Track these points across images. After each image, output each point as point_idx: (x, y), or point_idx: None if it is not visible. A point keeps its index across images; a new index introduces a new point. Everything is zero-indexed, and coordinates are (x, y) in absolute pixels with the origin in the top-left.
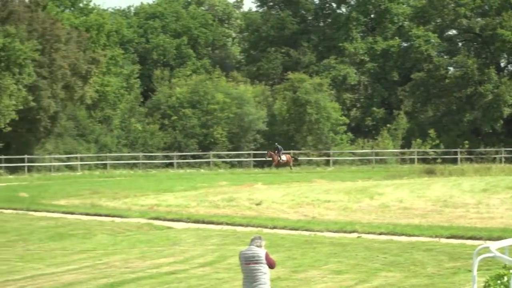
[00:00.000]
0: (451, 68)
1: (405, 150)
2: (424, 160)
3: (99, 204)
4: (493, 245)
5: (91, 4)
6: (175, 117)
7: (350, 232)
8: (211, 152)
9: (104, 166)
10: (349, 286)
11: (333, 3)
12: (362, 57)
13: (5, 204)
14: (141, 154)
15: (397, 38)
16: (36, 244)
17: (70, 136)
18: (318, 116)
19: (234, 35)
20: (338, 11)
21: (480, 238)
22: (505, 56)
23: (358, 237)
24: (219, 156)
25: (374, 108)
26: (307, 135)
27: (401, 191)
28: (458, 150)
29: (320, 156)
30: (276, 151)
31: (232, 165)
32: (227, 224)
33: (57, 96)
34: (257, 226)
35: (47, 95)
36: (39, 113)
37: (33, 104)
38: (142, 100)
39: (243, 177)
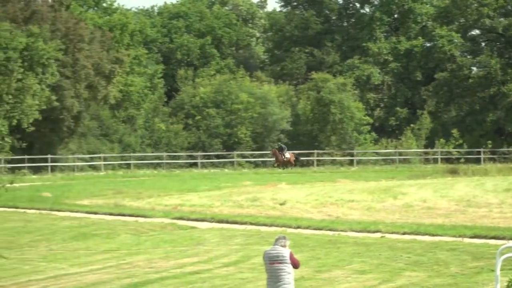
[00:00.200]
0: (474, 68)
1: (429, 150)
2: (447, 160)
3: (122, 204)
4: None
5: (115, 4)
6: (199, 117)
7: (374, 232)
8: (235, 152)
9: (128, 166)
10: (372, 286)
11: (356, 3)
12: (386, 57)
13: (28, 204)
14: (165, 154)
15: (420, 38)
16: (60, 244)
17: (94, 136)
18: (342, 116)
19: (258, 35)
20: (362, 11)
21: (503, 238)
22: None
23: (382, 236)
24: (243, 156)
25: (398, 108)
26: (331, 135)
27: (425, 191)
28: (481, 150)
29: (344, 156)
30: (279, 150)
31: (256, 165)
32: (251, 224)
33: (81, 96)
34: (281, 226)
35: (70, 95)
36: (62, 113)
37: (56, 104)
38: (166, 100)
39: (267, 177)
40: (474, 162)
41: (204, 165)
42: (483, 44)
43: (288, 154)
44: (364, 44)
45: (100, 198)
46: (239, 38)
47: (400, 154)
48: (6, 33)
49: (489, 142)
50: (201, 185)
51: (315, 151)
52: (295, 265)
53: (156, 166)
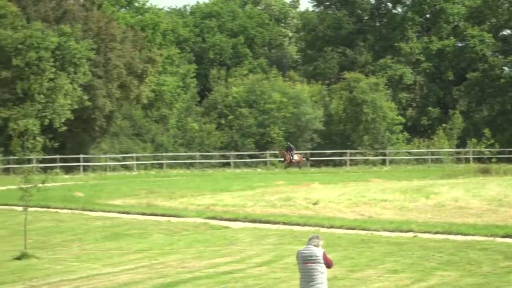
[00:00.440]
0: (505, 68)
1: (461, 149)
2: (479, 160)
3: (155, 204)
4: None
5: (147, 4)
6: (232, 117)
7: (406, 231)
8: (268, 152)
9: (160, 165)
10: (405, 285)
11: (388, 3)
12: (418, 57)
13: (61, 203)
14: (197, 153)
15: (452, 38)
16: (92, 244)
17: (126, 135)
18: (374, 116)
19: (290, 34)
20: (394, 11)
21: None
22: None
23: (414, 236)
24: (276, 156)
25: (430, 108)
26: (363, 134)
27: (457, 191)
28: None
29: (376, 155)
30: (288, 151)
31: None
32: (284, 223)
33: (113, 95)
34: (314, 226)
35: (102, 95)
36: (94, 113)
37: (88, 103)
38: (198, 99)
39: (299, 176)
40: (505, 162)
41: (237, 165)
42: None
43: (296, 157)
44: (396, 44)
45: (132, 198)
46: (271, 37)
47: (432, 153)
48: (38, 33)
49: None
50: (234, 184)
51: (348, 150)
52: (328, 264)
53: (189, 165)
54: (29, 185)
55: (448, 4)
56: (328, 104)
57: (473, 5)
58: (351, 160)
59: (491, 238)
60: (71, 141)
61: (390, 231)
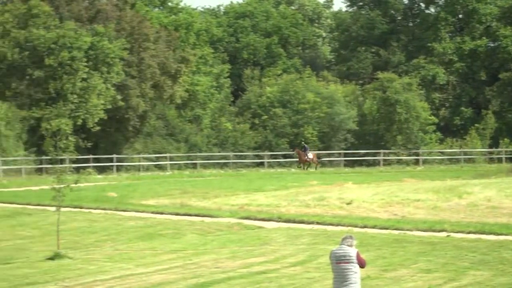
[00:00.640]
0: None
1: (493, 149)
2: (511, 160)
3: (189, 204)
4: None
5: (181, 3)
6: (266, 117)
7: (439, 231)
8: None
9: (194, 165)
10: (438, 285)
11: (421, 3)
12: (451, 57)
13: (94, 204)
14: (231, 153)
15: (484, 38)
16: (125, 244)
17: (160, 135)
18: (407, 116)
19: (324, 34)
20: (427, 11)
21: None
22: None
23: (447, 236)
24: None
25: (463, 108)
26: (396, 134)
27: (489, 190)
28: None
29: (409, 155)
30: (303, 150)
31: (323, 164)
32: (318, 223)
33: (146, 95)
34: (348, 225)
35: (136, 94)
36: (128, 112)
37: (121, 103)
38: (232, 99)
39: (333, 176)
40: None
41: (270, 165)
42: None
43: (310, 155)
44: (429, 44)
45: (166, 198)
46: (305, 37)
47: (465, 153)
48: (71, 33)
49: None
50: (267, 184)
51: (381, 150)
52: (362, 264)
53: (222, 165)
54: (62, 185)
55: (481, 4)
56: (361, 104)
57: (506, 5)
58: (384, 160)
59: None
60: (105, 141)
61: (423, 231)
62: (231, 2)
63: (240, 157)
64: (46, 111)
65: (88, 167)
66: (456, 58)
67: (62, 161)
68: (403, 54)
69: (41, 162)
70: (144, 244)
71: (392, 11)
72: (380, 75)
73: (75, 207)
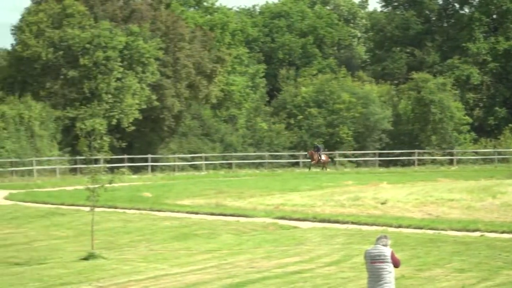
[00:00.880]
0: None
1: None
2: None
3: (224, 204)
4: None
5: (216, 3)
6: (301, 117)
7: (473, 230)
8: (337, 152)
9: (229, 165)
10: (472, 284)
11: (456, 4)
12: (485, 57)
13: (128, 204)
14: (266, 153)
15: None
16: (160, 244)
17: (195, 135)
18: (442, 116)
19: (359, 35)
20: (461, 11)
21: None
22: None
23: (481, 235)
24: (345, 156)
25: (497, 108)
26: (431, 134)
27: None
28: None
29: (444, 155)
30: (316, 151)
31: (358, 164)
32: (353, 223)
33: (181, 95)
34: (382, 225)
35: (171, 94)
36: (163, 112)
37: (156, 103)
38: (267, 99)
39: (368, 176)
40: None
41: (306, 165)
42: None
43: (324, 157)
44: (463, 44)
45: (201, 198)
46: (340, 38)
47: (499, 153)
48: (105, 32)
49: None
50: (302, 184)
51: (416, 150)
52: (396, 264)
53: (258, 165)
54: (96, 185)
55: None
56: (396, 104)
57: None
58: (419, 160)
59: None
60: (139, 141)
61: (457, 231)
62: (267, 2)
63: (275, 157)
64: (80, 111)
65: (123, 167)
66: (490, 58)
67: (96, 161)
68: (438, 54)
69: (75, 162)
70: (179, 244)
71: (427, 11)
72: (414, 75)
73: (110, 207)
